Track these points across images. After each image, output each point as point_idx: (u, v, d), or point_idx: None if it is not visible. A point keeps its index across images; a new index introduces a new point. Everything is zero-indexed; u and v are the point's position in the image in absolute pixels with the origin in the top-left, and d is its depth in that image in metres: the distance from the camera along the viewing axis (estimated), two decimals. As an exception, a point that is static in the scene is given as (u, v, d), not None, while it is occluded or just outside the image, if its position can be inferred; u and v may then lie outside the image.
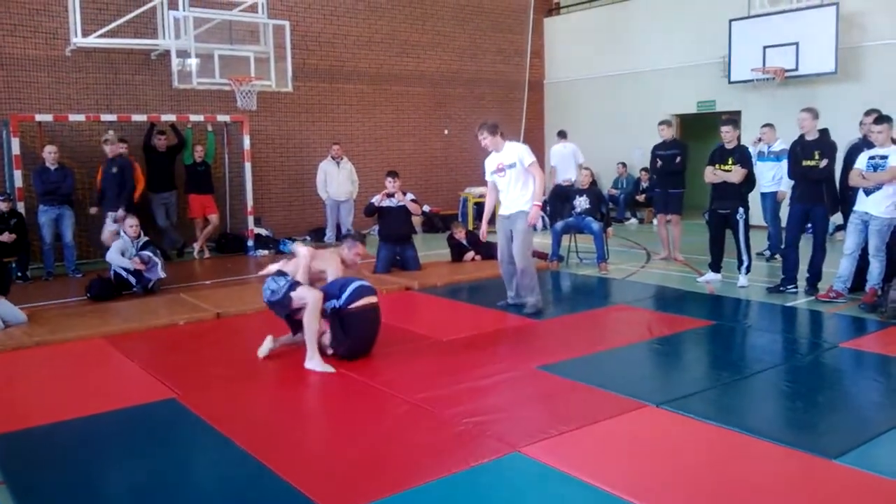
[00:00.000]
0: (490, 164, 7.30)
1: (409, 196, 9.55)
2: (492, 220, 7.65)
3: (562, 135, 13.38)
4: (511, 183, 7.08)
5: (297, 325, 5.75)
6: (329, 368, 5.43)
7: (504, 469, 3.69)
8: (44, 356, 6.04)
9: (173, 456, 4.08)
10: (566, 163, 12.80)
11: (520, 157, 7.04)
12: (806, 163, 7.54)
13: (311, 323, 5.47)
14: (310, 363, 5.46)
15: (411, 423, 4.36)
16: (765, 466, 3.67)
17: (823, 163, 7.47)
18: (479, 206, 13.38)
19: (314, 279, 5.83)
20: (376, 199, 9.39)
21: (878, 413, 4.45)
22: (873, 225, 6.95)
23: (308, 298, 5.51)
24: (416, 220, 12.18)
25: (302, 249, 5.90)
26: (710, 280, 8.34)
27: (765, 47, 12.56)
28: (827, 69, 11.97)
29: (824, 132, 7.65)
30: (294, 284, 5.59)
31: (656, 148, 9.91)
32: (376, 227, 10.00)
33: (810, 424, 4.29)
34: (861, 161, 7.12)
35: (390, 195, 9.33)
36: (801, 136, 7.70)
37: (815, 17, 12.09)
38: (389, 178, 9.36)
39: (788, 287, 7.76)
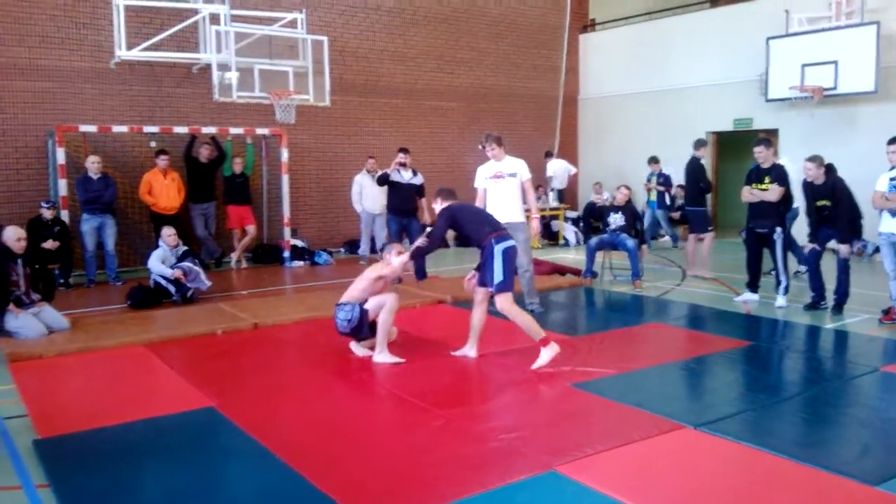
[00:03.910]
0: (487, 170, 7.82)
1: (420, 178, 10.06)
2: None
3: (550, 154, 15.37)
4: (506, 192, 7.65)
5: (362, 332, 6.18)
6: (397, 360, 5.90)
7: (541, 487, 3.69)
8: (86, 362, 6.19)
9: (212, 464, 4.15)
10: (560, 176, 14.85)
11: (521, 170, 7.71)
12: (820, 203, 7.67)
13: (387, 321, 5.96)
14: (379, 357, 5.96)
15: (446, 438, 4.38)
16: (804, 491, 3.63)
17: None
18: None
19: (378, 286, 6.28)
20: (389, 170, 9.90)
21: (920, 439, 4.38)
22: None
23: (386, 301, 6.01)
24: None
25: (396, 261, 6.30)
26: (747, 300, 8.27)
27: (803, 65, 12.45)
28: (867, 88, 11.82)
29: (830, 172, 7.66)
30: (361, 306, 6.03)
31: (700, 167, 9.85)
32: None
33: (850, 449, 4.22)
34: (882, 183, 7.09)
35: (402, 164, 9.82)
36: (811, 181, 7.75)
37: (855, 35, 11.97)
38: (401, 153, 9.90)
39: (821, 303, 7.78)
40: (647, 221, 12.50)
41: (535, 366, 5.64)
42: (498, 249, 5.74)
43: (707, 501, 3.53)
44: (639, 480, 3.75)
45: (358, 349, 6.24)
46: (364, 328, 6.09)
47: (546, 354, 5.67)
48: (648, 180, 13.76)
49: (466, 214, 6.06)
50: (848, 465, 3.89)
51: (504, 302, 5.74)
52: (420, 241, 6.02)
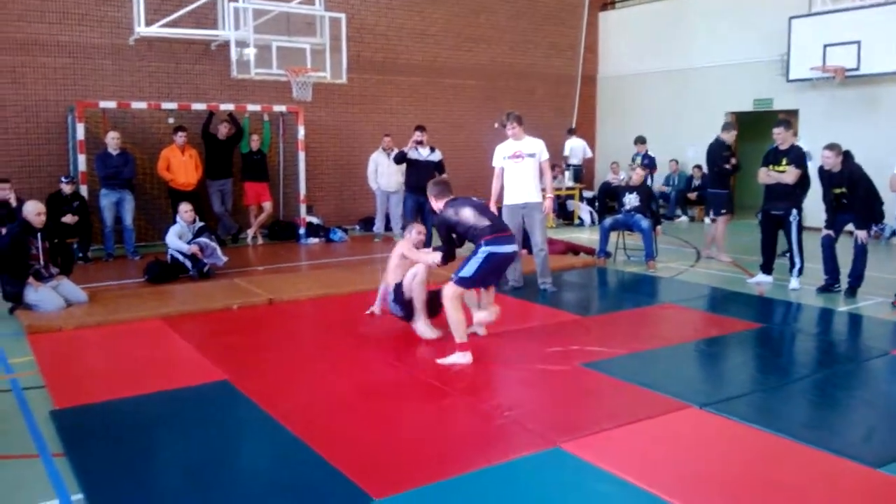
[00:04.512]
0: (506, 149, 7.84)
1: (438, 154, 10.02)
2: None
3: (571, 131, 15.58)
4: (525, 172, 7.70)
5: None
6: (434, 333, 5.91)
7: (544, 463, 3.75)
8: (103, 335, 6.30)
9: (224, 436, 4.24)
10: (577, 154, 15.18)
11: (540, 150, 7.76)
12: (837, 190, 7.67)
13: (419, 291, 5.89)
14: (417, 325, 5.99)
15: (454, 414, 4.45)
16: (806, 472, 3.66)
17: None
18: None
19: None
20: (407, 148, 9.91)
21: (926, 423, 4.39)
22: None
23: (417, 272, 5.90)
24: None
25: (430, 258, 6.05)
26: (760, 282, 8.24)
27: (825, 45, 12.27)
28: (890, 69, 11.64)
29: (847, 160, 7.61)
30: (398, 284, 6.02)
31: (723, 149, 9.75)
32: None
33: (854, 431, 4.25)
34: None
35: (419, 142, 9.81)
36: (829, 169, 7.71)
37: (879, 15, 11.76)
38: (417, 132, 9.90)
39: (835, 286, 7.75)
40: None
41: (440, 360, 5.37)
42: (484, 250, 5.40)
43: (709, 481, 3.57)
44: (641, 459, 3.79)
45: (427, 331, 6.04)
46: (404, 306, 5.99)
47: (456, 357, 5.35)
48: (633, 161, 13.53)
49: (463, 218, 5.60)
50: (852, 448, 3.91)
51: (450, 291, 5.45)
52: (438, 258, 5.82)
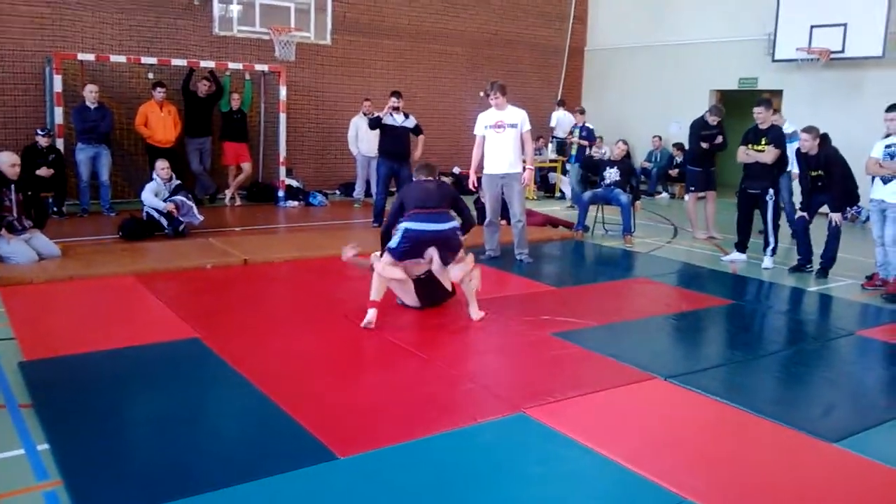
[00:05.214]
0: (488, 118, 7.82)
1: (412, 120, 9.86)
2: None
3: (561, 103, 14.86)
4: (507, 142, 7.71)
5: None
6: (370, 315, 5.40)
7: (508, 427, 3.80)
8: (75, 290, 6.27)
9: (193, 392, 4.26)
10: (563, 126, 14.29)
11: (522, 120, 7.73)
12: (812, 173, 7.69)
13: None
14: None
15: (422, 378, 4.48)
16: (763, 444, 3.73)
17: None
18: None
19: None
20: (382, 113, 9.75)
21: (883, 402, 4.46)
22: (891, 213, 6.94)
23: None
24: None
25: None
26: (734, 260, 8.32)
27: (812, 26, 12.29)
28: (874, 53, 11.69)
29: (824, 143, 7.62)
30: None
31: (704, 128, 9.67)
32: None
33: (814, 408, 4.31)
34: (877, 150, 7.08)
35: (395, 108, 9.67)
36: (806, 151, 7.71)
37: (867, -2, 11.79)
38: (393, 97, 9.72)
39: (807, 266, 7.84)
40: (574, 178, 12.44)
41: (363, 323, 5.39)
42: (401, 227, 5.62)
43: (669, 450, 3.63)
44: (604, 426, 3.85)
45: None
46: (426, 299, 5.91)
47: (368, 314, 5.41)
48: (572, 132, 13.26)
49: (405, 193, 5.89)
50: (810, 423, 3.99)
51: (383, 260, 5.61)
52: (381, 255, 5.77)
